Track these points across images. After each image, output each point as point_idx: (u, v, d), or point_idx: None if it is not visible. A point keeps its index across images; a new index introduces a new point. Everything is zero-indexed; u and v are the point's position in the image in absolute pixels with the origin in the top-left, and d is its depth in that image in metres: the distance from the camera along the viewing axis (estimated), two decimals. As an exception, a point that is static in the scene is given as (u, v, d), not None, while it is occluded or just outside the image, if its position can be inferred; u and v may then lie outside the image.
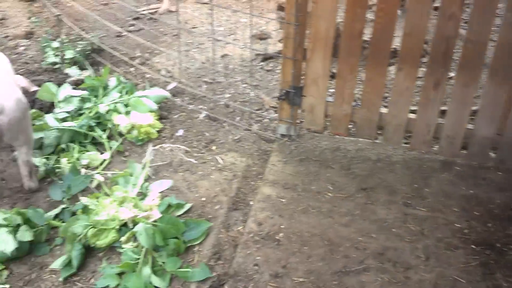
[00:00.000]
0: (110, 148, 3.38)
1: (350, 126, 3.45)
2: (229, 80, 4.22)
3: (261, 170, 3.19)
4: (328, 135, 3.44)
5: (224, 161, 3.27)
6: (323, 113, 3.38)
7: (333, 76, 3.53)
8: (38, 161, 3.16)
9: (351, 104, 3.30)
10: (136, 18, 5.32)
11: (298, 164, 3.17)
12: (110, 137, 3.47)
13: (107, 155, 3.31)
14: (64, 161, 3.20)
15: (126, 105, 3.62)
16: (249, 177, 3.15)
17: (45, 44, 4.52)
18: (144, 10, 5.13)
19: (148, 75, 4.17)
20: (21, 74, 4.16)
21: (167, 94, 3.79)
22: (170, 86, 3.98)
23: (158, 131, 3.54)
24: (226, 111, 3.83)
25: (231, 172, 3.17)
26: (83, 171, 3.13)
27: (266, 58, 4.59)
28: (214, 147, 3.42)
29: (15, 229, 2.62)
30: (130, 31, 4.79)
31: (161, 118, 3.67)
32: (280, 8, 4.90)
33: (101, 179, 3.08)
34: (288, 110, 3.38)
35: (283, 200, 2.88)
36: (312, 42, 3.18)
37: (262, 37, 4.93)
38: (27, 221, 2.67)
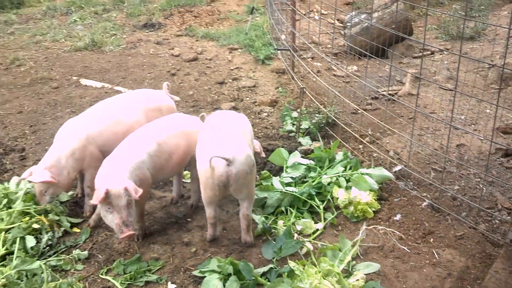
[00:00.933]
0: (325, 219, 3.43)
1: None
2: (461, 172, 3.94)
3: (481, 275, 2.85)
4: None
5: (440, 256, 3.02)
6: None
7: None
8: (258, 218, 3.37)
9: None
10: (375, 98, 5.41)
11: (527, 278, 2.76)
12: (326, 209, 3.54)
13: (320, 225, 3.37)
14: (280, 223, 3.36)
15: (348, 180, 3.68)
16: (466, 279, 2.84)
17: (285, 113, 4.92)
18: (384, 91, 5.18)
19: (375, 154, 4.16)
20: (259, 137, 4.58)
21: (391, 175, 3.72)
22: (396, 169, 3.90)
23: (375, 212, 3.47)
24: (452, 203, 3.56)
25: (446, 269, 2.91)
26: (295, 236, 3.23)
27: (508, 154, 4.18)
28: (431, 240, 3.19)
29: (225, 278, 2.81)
30: (366, 110, 4.88)
31: (380, 198, 3.60)
32: (533, 102, 4.48)
33: (311, 247, 3.12)
34: (525, 215, 2.99)
35: (503, 315, 2.52)
36: None
37: (507, 131, 4.53)
38: (237, 273, 2.83)
